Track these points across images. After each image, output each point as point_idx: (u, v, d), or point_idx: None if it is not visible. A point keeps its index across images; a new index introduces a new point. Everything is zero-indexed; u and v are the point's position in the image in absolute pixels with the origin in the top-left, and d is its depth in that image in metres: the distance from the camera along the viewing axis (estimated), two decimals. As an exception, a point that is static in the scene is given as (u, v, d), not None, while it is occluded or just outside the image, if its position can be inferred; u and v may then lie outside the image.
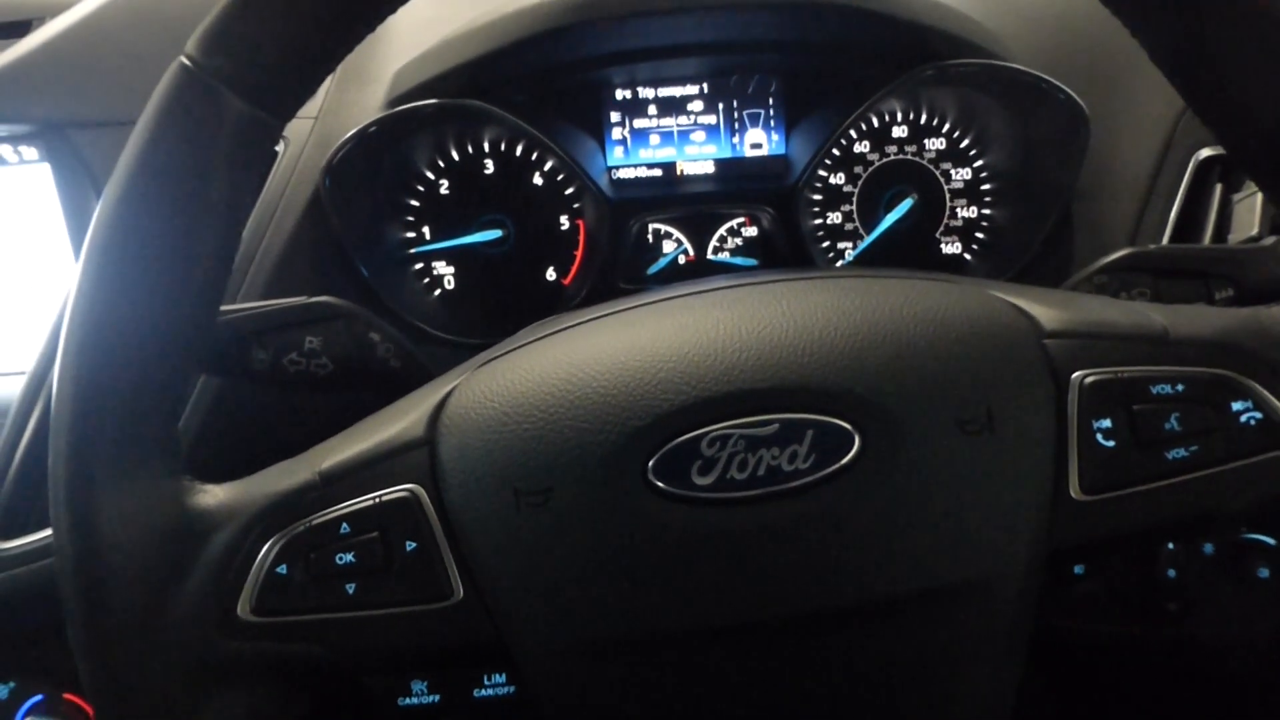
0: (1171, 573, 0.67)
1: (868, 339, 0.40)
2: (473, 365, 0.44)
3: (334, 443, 0.43)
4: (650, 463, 0.38)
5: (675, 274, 0.86)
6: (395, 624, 0.40)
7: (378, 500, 0.40)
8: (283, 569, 0.40)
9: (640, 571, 0.39)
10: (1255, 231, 0.66)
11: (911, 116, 0.85)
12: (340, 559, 0.40)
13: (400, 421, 0.42)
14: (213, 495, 0.41)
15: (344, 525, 0.40)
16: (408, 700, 0.49)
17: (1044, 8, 0.83)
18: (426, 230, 0.85)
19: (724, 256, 0.86)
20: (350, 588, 0.40)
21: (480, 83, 0.76)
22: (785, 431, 0.38)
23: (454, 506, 0.40)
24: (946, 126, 0.85)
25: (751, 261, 0.86)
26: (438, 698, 0.49)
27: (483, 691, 0.49)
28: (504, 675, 0.49)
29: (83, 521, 0.39)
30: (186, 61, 0.39)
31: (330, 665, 0.40)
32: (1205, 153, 0.73)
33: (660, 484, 0.38)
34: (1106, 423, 0.40)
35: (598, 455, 0.38)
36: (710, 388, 0.39)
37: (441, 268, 0.86)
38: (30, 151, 0.71)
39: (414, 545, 0.40)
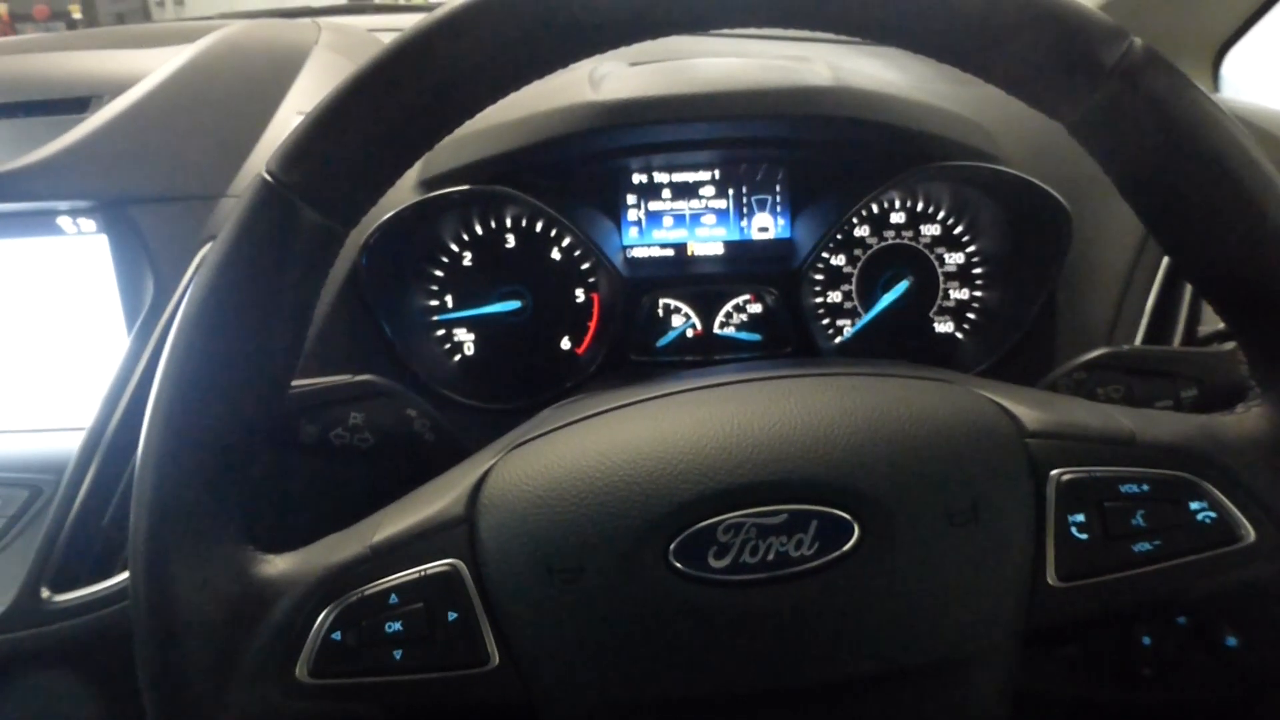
0: (1146, 640, 0.71)
1: (867, 437, 0.44)
2: (506, 446, 0.48)
3: (382, 516, 0.47)
4: (672, 546, 0.42)
5: (683, 346, 0.91)
6: (438, 687, 0.44)
7: (422, 574, 0.44)
8: (337, 635, 0.44)
9: (661, 644, 0.43)
10: (1222, 325, 0.72)
11: (909, 205, 0.90)
12: (389, 627, 0.44)
13: (442, 499, 0.46)
14: (274, 565, 0.46)
15: (393, 596, 0.44)
16: (445, 757, 0.53)
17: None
18: (449, 299, 0.90)
19: (729, 331, 0.91)
20: (398, 654, 0.44)
21: (506, 169, 0.82)
22: (793, 521, 0.43)
23: (492, 581, 0.44)
24: (941, 214, 0.90)
25: (755, 337, 0.91)
26: (474, 755, 0.53)
27: (514, 750, 0.54)
28: None
29: (159, 586, 0.43)
30: (267, 177, 0.44)
31: None
32: (1177, 253, 0.78)
33: (680, 566, 0.42)
34: (1080, 517, 0.44)
35: (626, 539, 0.43)
36: (726, 479, 0.43)
37: (462, 335, 0.91)
38: (89, 224, 0.76)
39: (455, 615, 0.44)
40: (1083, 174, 0.83)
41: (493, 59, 0.43)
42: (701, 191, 0.91)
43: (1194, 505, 0.44)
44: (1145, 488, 0.45)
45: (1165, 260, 0.78)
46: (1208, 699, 0.73)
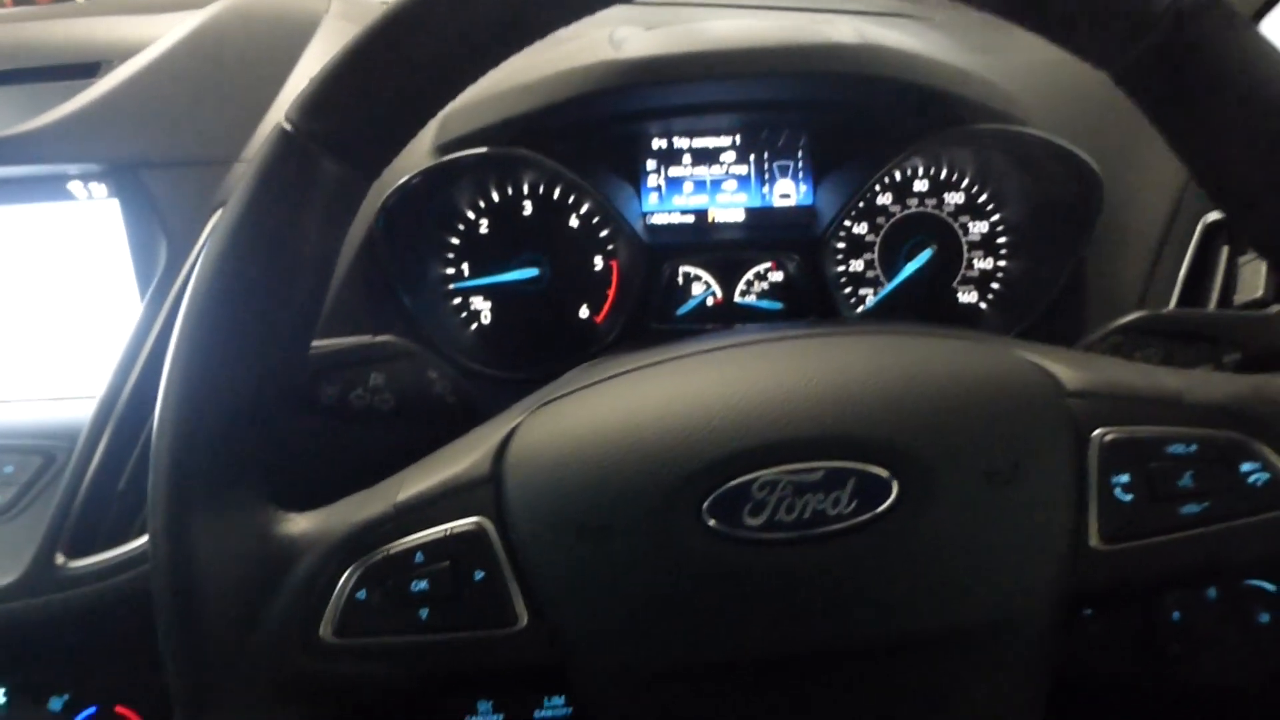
0: (1176, 616, 0.70)
1: (905, 393, 0.43)
2: (532, 404, 0.47)
3: (407, 475, 0.46)
4: (705, 504, 0.41)
5: (704, 315, 0.90)
6: (464, 648, 0.43)
7: (448, 532, 0.43)
8: (362, 594, 0.43)
9: (693, 604, 0.42)
10: (1260, 294, 0.70)
11: (933, 172, 0.88)
12: (415, 586, 0.43)
13: (468, 458, 0.45)
14: (296, 524, 0.45)
15: (418, 555, 0.43)
16: (474, 719, 0.52)
17: (1061, 71, 0.87)
18: (466, 267, 0.89)
19: (750, 300, 0.90)
20: (424, 613, 0.43)
21: (524, 132, 0.80)
22: (829, 478, 0.41)
23: (519, 540, 0.43)
24: (965, 182, 0.89)
25: (777, 305, 0.90)
26: (501, 717, 0.52)
27: (543, 712, 0.52)
28: (563, 698, 0.52)
29: (180, 545, 0.42)
30: (287, 126, 0.43)
31: (404, 684, 0.44)
32: (1212, 216, 0.76)
33: (714, 524, 0.41)
34: (1124, 478, 0.43)
35: (656, 497, 0.41)
36: (761, 435, 0.42)
37: (479, 303, 0.90)
38: (100, 189, 0.75)
39: (482, 574, 0.43)
40: (1112, 139, 0.82)
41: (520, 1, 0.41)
42: (723, 157, 0.90)
43: (1246, 467, 0.43)
44: (1193, 448, 0.43)
45: (1201, 225, 0.76)
46: (1237, 678, 0.71)
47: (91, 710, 0.71)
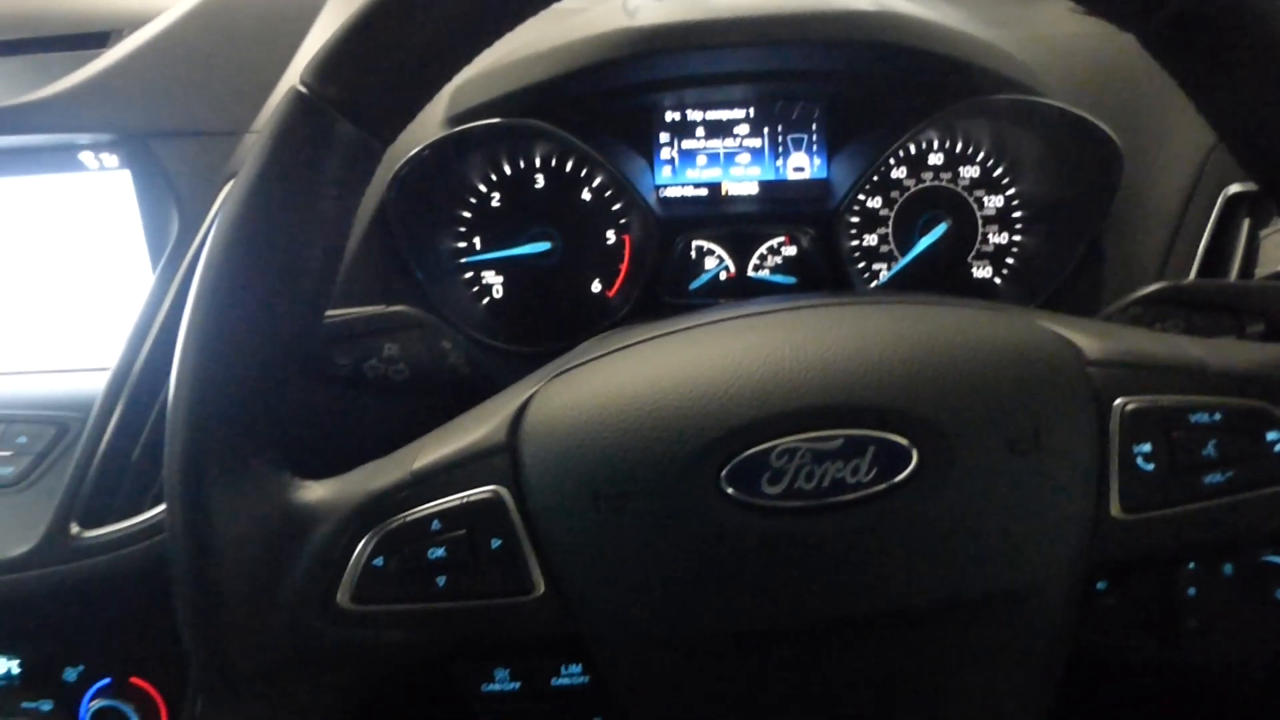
0: (1192, 591, 0.69)
1: (925, 362, 0.42)
2: (548, 374, 0.47)
3: (423, 443, 0.46)
4: (723, 472, 0.41)
5: (717, 290, 0.89)
6: (481, 615, 0.43)
7: (465, 500, 0.43)
8: (379, 561, 0.43)
9: (711, 573, 0.41)
10: (1281, 267, 0.69)
11: (948, 145, 0.87)
12: (432, 553, 0.42)
13: (484, 426, 0.45)
14: (313, 491, 0.45)
15: (435, 522, 0.43)
16: (490, 687, 0.52)
17: (1078, 44, 0.86)
18: (477, 241, 0.88)
19: (764, 274, 0.89)
20: (440, 580, 0.42)
21: (536, 104, 0.80)
22: (849, 447, 0.41)
23: (536, 507, 0.42)
24: (981, 155, 0.88)
25: (790, 280, 0.89)
26: (518, 685, 0.52)
27: (560, 680, 0.52)
28: (580, 666, 0.52)
29: (196, 513, 0.42)
30: (301, 89, 0.42)
31: (420, 652, 0.44)
32: (1234, 189, 0.75)
33: (732, 492, 0.41)
34: (1146, 447, 0.42)
35: (674, 464, 0.41)
36: (780, 403, 0.41)
37: (490, 277, 0.89)
38: (111, 159, 0.75)
39: (499, 542, 0.43)
40: (1131, 112, 0.81)
41: None
42: (736, 130, 0.89)
43: (1271, 436, 0.42)
44: (1217, 417, 0.43)
45: (1222, 198, 0.75)
46: (1252, 655, 0.71)
47: (106, 682, 0.71)
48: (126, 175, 0.75)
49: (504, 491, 0.43)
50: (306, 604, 0.43)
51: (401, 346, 0.58)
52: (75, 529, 0.65)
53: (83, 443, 0.67)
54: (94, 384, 0.69)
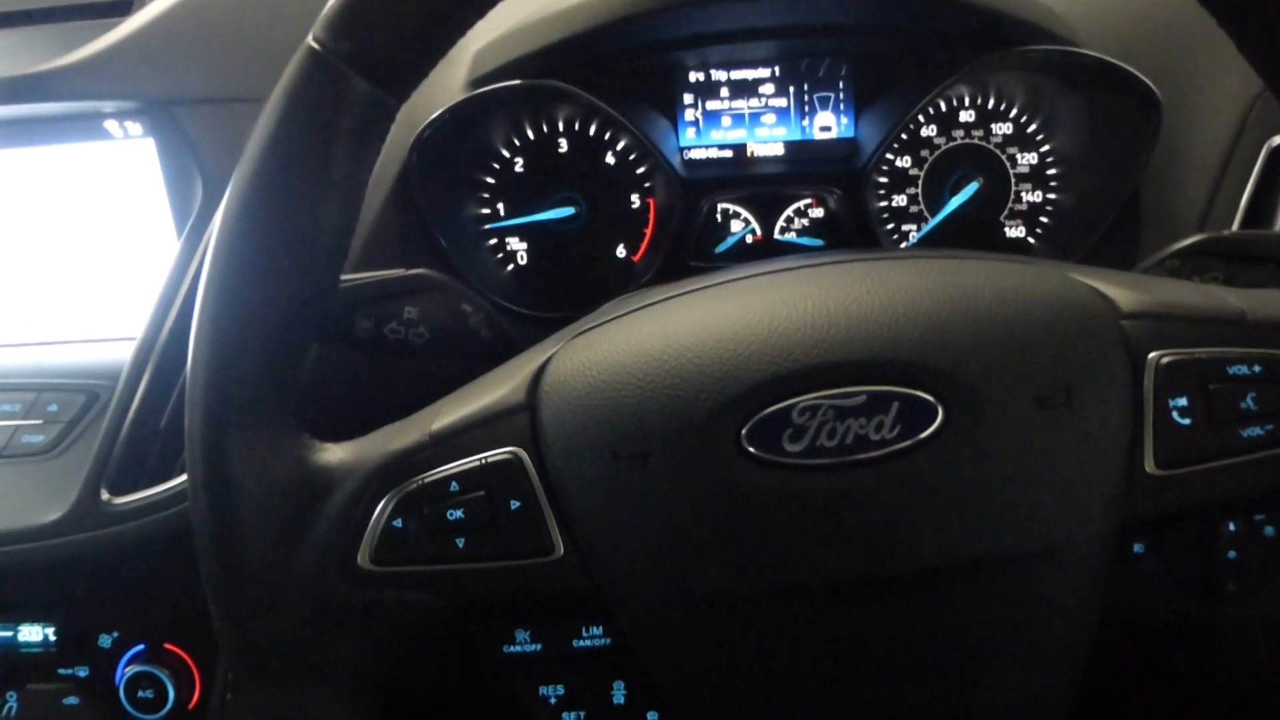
0: (1232, 554, 0.68)
1: (951, 316, 0.41)
2: (568, 335, 0.46)
3: (442, 405, 0.46)
4: (744, 430, 0.40)
5: (743, 253, 0.88)
6: (500, 576, 0.43)
7: (484, 461, 0.43)
8: (398, 523, 0.43)
9: (732, 532, 0.41)
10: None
11: (979, 101, 0.85)
12: (451, 515, 0.42)
13: (502, 387, 0.44)
14: (333, 453, 0.44)
15: (454, 484, 0.42)
16: (511, 648, 0.52)
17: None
18: (501, 207, 0.87)
19: (791, 236, 0.88)
20: (460, 542, 0.42)
21: (558, 65, 0.79)
22: (872, 403, 0.40)
23: (555, 468, 0.42)
24: (1014, 111, 0.85)
25: (818, 242, 0.88)
26: (539, 647, 0.52)
27: (581, 642, 0.52)
28: (601, 627, 0.52)
29: (217, 474, 0.42)
30: (314, 44, 0.42)
31: (441, 613, 0.43)
32: (1278, 140, 0.73)
33: (753, 450, 0.40)
34: (1182, 401, 0.41)
35: (694, 422, 0.40)
36: (801, 360, 0.40)
37: (515, 243, 0.89)
38: (135, 127, 0.75)
39: (518, 504, 0.42)
40: (1170, 62, 0.78)
41: None
42: (761, 89, 0.87)
43: None
44: (1257, 369, 0.41)
45: (1266, 149, 0.73)
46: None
47: (140, 648, 0.72)
48: (150, 144, 0.75)
49: (522, 453, 0.43)
50: (327, 565, 0.43)
51: (421, 309, 0.57)
52: (105, 495, 0.66)
53: (112, 410, 0.68)
54: (123, 353, 0.70)
